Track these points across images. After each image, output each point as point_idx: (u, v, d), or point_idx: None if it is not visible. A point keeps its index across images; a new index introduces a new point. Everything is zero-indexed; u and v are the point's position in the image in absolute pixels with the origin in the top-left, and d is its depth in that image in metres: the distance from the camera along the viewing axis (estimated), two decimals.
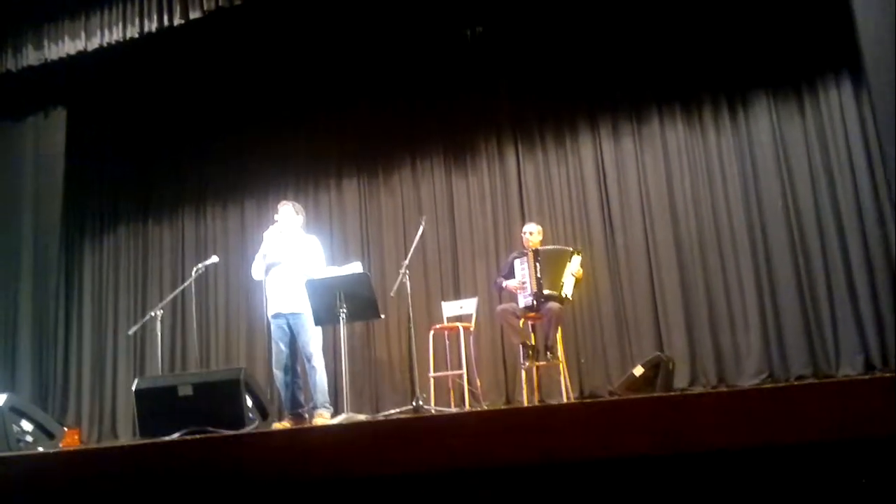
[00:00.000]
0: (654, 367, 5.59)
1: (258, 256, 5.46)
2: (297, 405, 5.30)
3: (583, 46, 6.70)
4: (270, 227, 5.46)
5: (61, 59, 6.50)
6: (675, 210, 6.31)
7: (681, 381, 5.92)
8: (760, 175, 6.12)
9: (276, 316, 5.30)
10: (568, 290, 5.62)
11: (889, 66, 4.67)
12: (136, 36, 6.19)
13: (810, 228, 5.91)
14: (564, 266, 5.64)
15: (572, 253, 5.73)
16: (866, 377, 4.63)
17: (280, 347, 5.30)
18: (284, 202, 5.62)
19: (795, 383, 5.06)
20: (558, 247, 6.02)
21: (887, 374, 5.08)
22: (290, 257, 5.32)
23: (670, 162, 6.40)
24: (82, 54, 6.43)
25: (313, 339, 5.25)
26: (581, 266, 5.73)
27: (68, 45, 6.43)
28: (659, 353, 5.82)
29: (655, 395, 4.84)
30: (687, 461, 1.67)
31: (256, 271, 5.46)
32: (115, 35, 6.25)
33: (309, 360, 5.25)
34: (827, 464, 1.60)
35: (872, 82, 4.87)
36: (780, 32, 6.08)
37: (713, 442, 1.64)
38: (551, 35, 6.76)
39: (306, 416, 5.29)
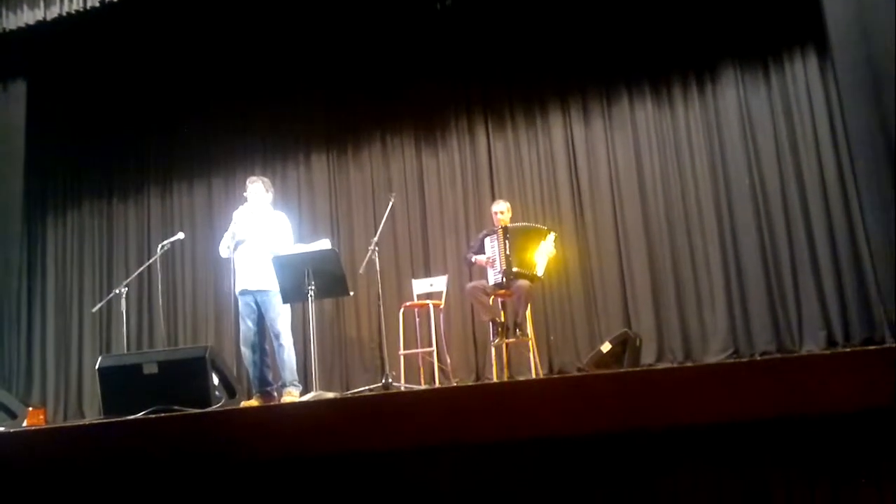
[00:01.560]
0: (621, 344, 5.66)
1: (227, 235, 5.37)
2: (265, 383, 5.25)
3: (553, 25, 6.67)
4: (240, 206, 5.36)
5: (20, 29, 6.32)
6: (644, 189, 6.36)
7: (648, 357, 5.99)
8: (728, 153, 6.18)
9: (243, 293, 5.24)
10: (541, 269, 5.59)
11: (853, 42, 4.73)
12: (97, 5, 6.03)
13: (775, 205, 5.99)
14: (538, 244, 5.59)
15: (547, 232, 5.69)
16: (828, 352, 4.72)
17: (247, 325, 5.24)
18: (254, 178, 5.48)
19: (759, 359, 5.16)
20: (531, 224, 6.00)
21: (848, 350, 5.19)
22: (258, 234, 5.25)
23: (639, 141, 6.43)
24: (42, 24, 6.25)
25: (281, 317, 5.19)
26: (554, 246, 5.74)
27: (27, 15, 6.25)
28: (626, 330, 5.89)
29: (623, 370, 4.89)
30: (653, 436, 1.68)
31: (224, 249, 5.38)
32: (75, 4, 6.08)
33: (277, 338, 5.20)
34: (790, 438, 1.62)
35: (837, 58, 4.93)
36: (747, 8, 6.11)
37: (680, 417, 1.65)
38: (522, 13, 6.71)
39: (275, 394, 5.26)
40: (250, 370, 5.27)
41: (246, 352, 5.25)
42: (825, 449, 1.59)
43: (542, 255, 5.57)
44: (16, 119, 6.73)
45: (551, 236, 5.66)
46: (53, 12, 6.16)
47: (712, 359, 5.84)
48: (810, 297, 5.79)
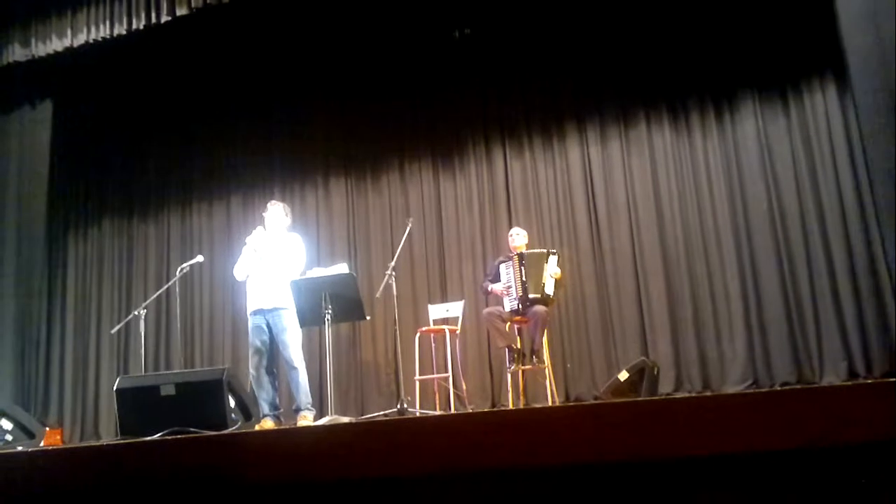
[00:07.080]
0: (639, 373, 5.61)
1: (244, 258, 5.42)
2: (275, 407, 5.24)
3: (570, 49, 6.72)
4: (254, 230, 5.40)
5: (48, 56, 6.45)
6: (662, 214, 6.34)
7: (665, 386, 5.93)
8: (746, 179, 6.15)
9: (256, 313, 5.25)
10: (549, 289, 5.65)
11: (873, 69, 4.71)
12: (124, 33, 6.16)
13: (795, 234, 5.95)
14: (543, 267, 5.66)
15: (548, 254, 5.75)
16: (850, 384, 4.66)
17: (258, 347, 5.23)
18: (275, 202, 5.58)
19: (779, 389, 5.09)
20: (538, 249, 6.03)
21: (870, 381, 5.11)
22: (273, 255, 5.29)
23: (657, 165, 6.43)
24: (69, 50, 6.39)
25: (293, 341, 5.17)
26: (559, 266, 5.76)
27: (55, 43, 6.38)
28: (644, 359, 5.84)
29: (640, 399, 4.84)
30: (670, 466, 1.67)
31: (241, 272, 5.42)
32: (101, 32, 6.22)
33: (290, 363, 5.17)
34: (809, 470, 1.60)
35: (857, 86, 4.91)
36: (766, 35, 6.12)
37: (698, 447, 1.63)
38: (539, 38, 6.78)
39: (281, 419, 5.24)
40: (259, 393, 5.20)
41: (255, 374, 5.22)
42: (846, 481, 1.56)
43: (548, 276, 5.67)
44: (41, 141, 6.85)
45: (553, 258, 5.71)
46: (81, 40, 6.30)
47: (731, 389, 5.77)
48: (831, 328, 5.72)
